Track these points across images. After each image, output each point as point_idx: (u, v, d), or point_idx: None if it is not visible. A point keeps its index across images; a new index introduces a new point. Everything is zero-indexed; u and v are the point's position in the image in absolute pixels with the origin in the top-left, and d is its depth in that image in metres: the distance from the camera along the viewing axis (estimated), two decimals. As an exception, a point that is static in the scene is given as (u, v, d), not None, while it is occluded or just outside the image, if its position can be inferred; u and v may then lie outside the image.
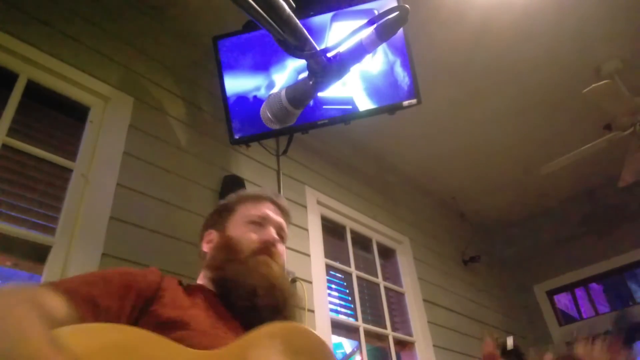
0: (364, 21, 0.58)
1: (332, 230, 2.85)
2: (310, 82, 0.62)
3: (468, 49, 2.80)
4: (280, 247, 1.07)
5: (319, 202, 2.78)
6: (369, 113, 2.18)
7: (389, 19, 0.58)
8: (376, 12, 2.02)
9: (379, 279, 2.94)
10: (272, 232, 1.07)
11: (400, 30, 1.73)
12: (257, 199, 1.14)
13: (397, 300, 3.05)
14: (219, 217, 1.13)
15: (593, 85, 2.66)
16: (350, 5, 2.12)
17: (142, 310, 0.79)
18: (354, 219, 2.99)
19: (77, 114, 1.87)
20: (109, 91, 1.96)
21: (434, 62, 2.78)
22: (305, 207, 2.66)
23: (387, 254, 3.25)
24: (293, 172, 2.73)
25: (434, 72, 2.81)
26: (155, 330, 0.68)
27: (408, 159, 3.64)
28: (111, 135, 1.87)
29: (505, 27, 2.69)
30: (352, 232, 2.96)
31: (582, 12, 2.64)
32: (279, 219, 1.12)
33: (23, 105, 1.69)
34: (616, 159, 3.36)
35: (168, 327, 0.75)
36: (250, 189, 1.20)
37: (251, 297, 0.93)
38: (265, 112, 0.69)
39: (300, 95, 0.64)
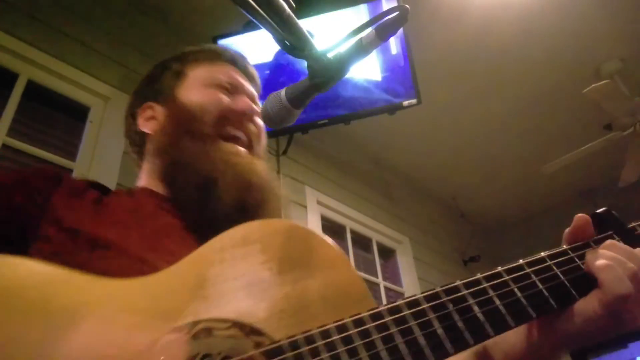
0: (364, 21, 0.58)
1: (332, 230, 2.85)
2: (310, 82, 0.62)
3: (468, 49, 2.79)
4: (259, 124, 0.79)
5: (319, 202, 2.78)
6: (369, 113, 2.18)
7: (388, 18, 0.57)
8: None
9: (379, 279, 2.94)
10: (248, 101, 0.78)
11: (400, 30, 1.73)
12: (215, 58, 0.83)
13: (397, 300, 3.05)
14: (159, 83, 0.81)
15: (593, 85, 2.67)
16: (350, 5, 2.12)
17: (24, 229, 0.56)
18: (354, 219, 2.99)
19: (77, 114, 1.87)
20: (109, 91, 1.96)
21: (434, 62, 2.78)
22: (305, 207, 2.66)
23: (387, 254, 3.25)
24: (293, 172, 2.73)
25: (434, 72, 2.80)
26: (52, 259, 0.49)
27: (408, 159, 3.64)
28: (111, 135, 1.87)
29: (505, 27, 2.69)
30: (352, 232, 2.96)
31: (582, 12, 2.64)
32: (250, 88, 0.82)
33: (23, 105, 1.69)
34: (616, 159, 3.36)
35: (70, 253, 0.53)
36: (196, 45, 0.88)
37: (206, 189, 0.67)
38: (265, 112, 0.69)
39: (300, 95, 0.64)
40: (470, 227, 4.27)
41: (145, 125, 0.77)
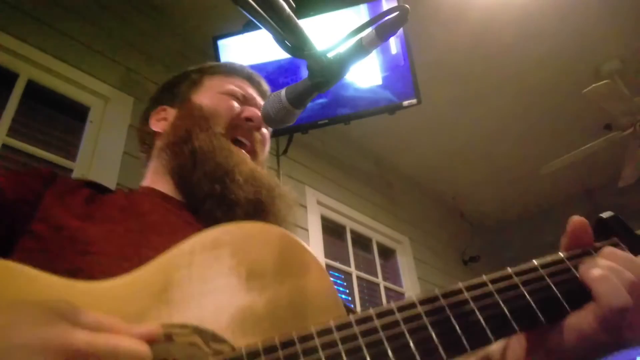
0: (364, 21, 0.58)
1: (332, 230, 2.85)
2: (310, 82, 0.62)
3: (468, 49, 2.79)
4: (265, 133, 0.85)
5: (319, 202, 2.78)
6: (369, 113, 2.18)
7: (389, 18, 0.57)
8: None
9: (379, 279, 2.94)
10: (257, 111, 0.81)
11: (400, 30, 1.73)
12: (231, 72, 0.88)
13: (397, 300, 3.05)
14: (176, 90, 0.86)
15: (593, 85, 2.66)
16: (350, 5, 2.12)
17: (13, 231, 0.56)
18: (354, 219, 2.99)
19: (77, 114, 1.87)
20: (109, 91, 1.96)
21: (434, 62, 2.78)
22: (305, 207, 2.66)
23: (387, 254, 3.25)
24: (293, 172, 2.73)
25: (434, 72, 2.80)
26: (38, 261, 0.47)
27: (408, 159, 3.64)
28: (111, 135, 1.87)
29: (506, 26, 2.69)
30: (352, 232, 2.96)
31: (582, 11, 2.64)
32: (262, 102, 0.85)
33: (23, 105, 1.69)
34: (616, 159, 3.36)
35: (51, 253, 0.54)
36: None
37: (225, 179, 0.69)
38: (265, 112, 0.69)
39: (301, 95, 0.64)
40: (470, 227, 4.27)
41: (156, 125, 0.82)
